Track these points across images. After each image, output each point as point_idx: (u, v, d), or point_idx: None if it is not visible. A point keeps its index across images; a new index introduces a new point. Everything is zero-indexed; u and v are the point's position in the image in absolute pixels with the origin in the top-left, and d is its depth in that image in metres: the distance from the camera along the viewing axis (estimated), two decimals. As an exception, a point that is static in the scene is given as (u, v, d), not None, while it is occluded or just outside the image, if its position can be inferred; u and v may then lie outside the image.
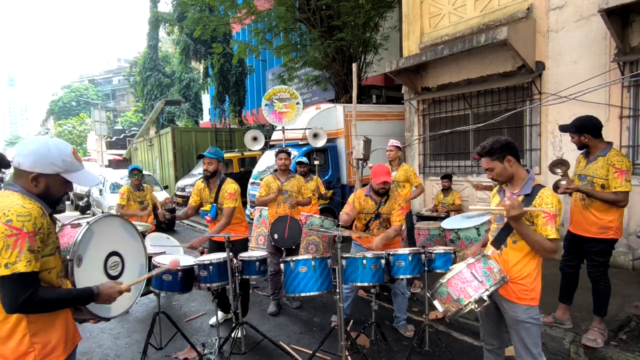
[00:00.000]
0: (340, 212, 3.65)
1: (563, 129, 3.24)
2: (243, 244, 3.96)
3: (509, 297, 2.16)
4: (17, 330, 1.48)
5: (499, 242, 2.23)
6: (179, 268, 1.97)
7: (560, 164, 3.40)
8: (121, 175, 10.36)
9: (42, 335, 1.53)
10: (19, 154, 1.58)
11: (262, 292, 5.07)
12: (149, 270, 2.93)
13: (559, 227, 2.06)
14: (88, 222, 1.85)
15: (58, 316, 1.61)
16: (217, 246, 3.89)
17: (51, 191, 1.64)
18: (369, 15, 9.71)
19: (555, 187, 3.18)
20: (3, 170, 1.99)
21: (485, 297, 2.04)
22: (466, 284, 2.09)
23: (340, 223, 3.61)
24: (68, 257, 1.71)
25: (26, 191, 1.58)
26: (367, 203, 3.56)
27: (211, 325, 4.07)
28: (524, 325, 2.12)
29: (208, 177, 3.86)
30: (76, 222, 1.91)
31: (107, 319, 1.90)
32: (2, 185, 1.94)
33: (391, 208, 3.57)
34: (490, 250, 2.26)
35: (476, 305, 2.07)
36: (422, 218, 6.01)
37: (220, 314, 4.10)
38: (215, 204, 3.85)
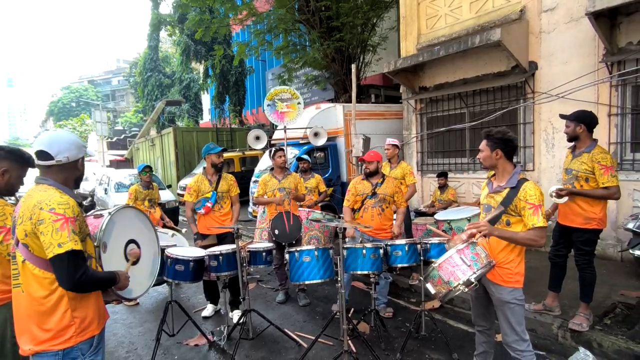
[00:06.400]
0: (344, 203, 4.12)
1: (563, 116, 3.44)
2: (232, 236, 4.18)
3: (496, 280, 2.37)
4: (60, 306, 1.67)
5: (486, 230, 2.43)
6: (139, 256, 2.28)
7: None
8: (125, 175, 10.60)
9: (81, 311, 1.73)
10: (61, 151, 1.74)
11: (266, 285, 5.28)
12: (162, 259, 3.16)
13: (545, 215, 2.26)
14: (110, 213, 2.06)
15: (92, 294, 1.81)
16: (216, 237, 4.11)
17: (82, 170, 1.92)
18: (367, 16, 9.90)
19: (550, 195, 3.36)
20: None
21: (473, 280, 2.22)
22: (456, 267, 2.28)
23: (341, 215, 3.84)
24: (95, 243, 1.91)
25: (59, 184, 1.77)
26: (364, 185, 4.04)
27: (204, 317, 4.27)
28: (509, 305, 2.32)
29: (220, 169, 4.21)
30: (98, 213, 2.13)
31: (129, 300, 2.16)
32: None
33: (392, 191, 3.96)
34: (478, 237, 2.46)
35: (465, 287, 2.25)
36: (420, 214, 6.22)
37: (210, 306, 4.37)
38: (215, 192, 4.13)
